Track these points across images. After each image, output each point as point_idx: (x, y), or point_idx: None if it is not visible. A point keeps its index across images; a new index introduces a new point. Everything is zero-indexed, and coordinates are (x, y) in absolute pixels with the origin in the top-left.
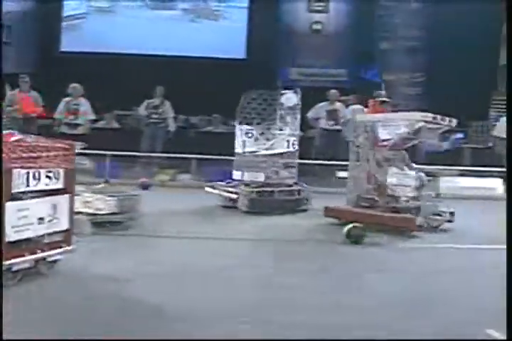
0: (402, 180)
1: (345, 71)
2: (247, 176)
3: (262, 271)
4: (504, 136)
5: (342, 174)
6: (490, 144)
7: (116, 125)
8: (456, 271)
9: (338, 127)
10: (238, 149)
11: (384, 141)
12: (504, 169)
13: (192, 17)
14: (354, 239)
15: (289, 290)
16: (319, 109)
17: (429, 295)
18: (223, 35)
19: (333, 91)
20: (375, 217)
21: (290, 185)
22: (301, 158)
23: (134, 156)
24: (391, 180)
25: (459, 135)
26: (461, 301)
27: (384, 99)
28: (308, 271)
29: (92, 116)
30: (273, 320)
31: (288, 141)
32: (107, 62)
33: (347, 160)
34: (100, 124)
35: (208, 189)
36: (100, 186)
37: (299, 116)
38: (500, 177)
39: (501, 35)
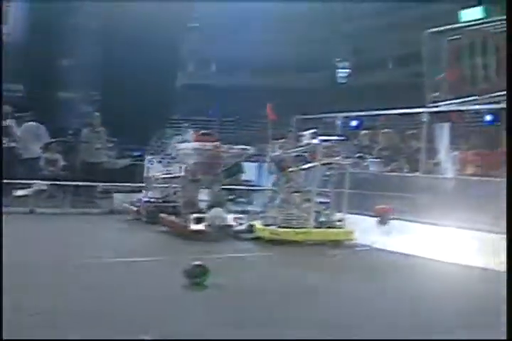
0: None
1: (22, 86)
2: (151, 194)
3: None
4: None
5: (20, 192)
6: None
7: None
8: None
9: (12, 144)
10: (145, 174)
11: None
12: None
13: None
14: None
15: None
16: None
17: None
18: None
19: (4, 107)
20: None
21: None
22: None
23: None
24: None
25: (139, 152)
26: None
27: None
28: None
29: None
30: None
31: (181, 167)
32: None
33: (22, 178)
34: None
35: (124, 205)
36: None
37: None
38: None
39: (178, 59)
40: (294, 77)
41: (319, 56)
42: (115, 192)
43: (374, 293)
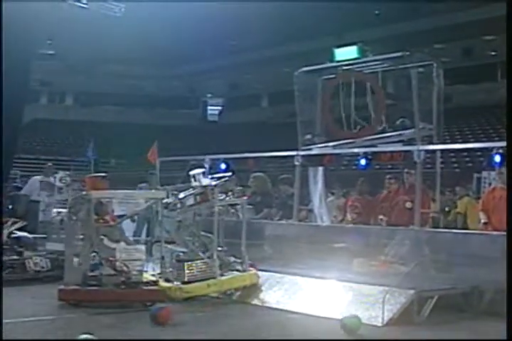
0: (131, 255)
1: None
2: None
3: None
4: None
5: None
6: None
7: None
8: None
9: None
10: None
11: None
12: None
13: None
14: None
15: None
16: None
17: None
18: None
19: None
20: (117, 294)
21: None
22: None
23: None
24: (120, 254)
25: None
26: None
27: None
28: None
29: None
30: None
31: None
32: None
33: None
34: None
35: None
36: None
37: None
38: None
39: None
40: (159, 114)
41: (188, 91)
42: None
43: None
